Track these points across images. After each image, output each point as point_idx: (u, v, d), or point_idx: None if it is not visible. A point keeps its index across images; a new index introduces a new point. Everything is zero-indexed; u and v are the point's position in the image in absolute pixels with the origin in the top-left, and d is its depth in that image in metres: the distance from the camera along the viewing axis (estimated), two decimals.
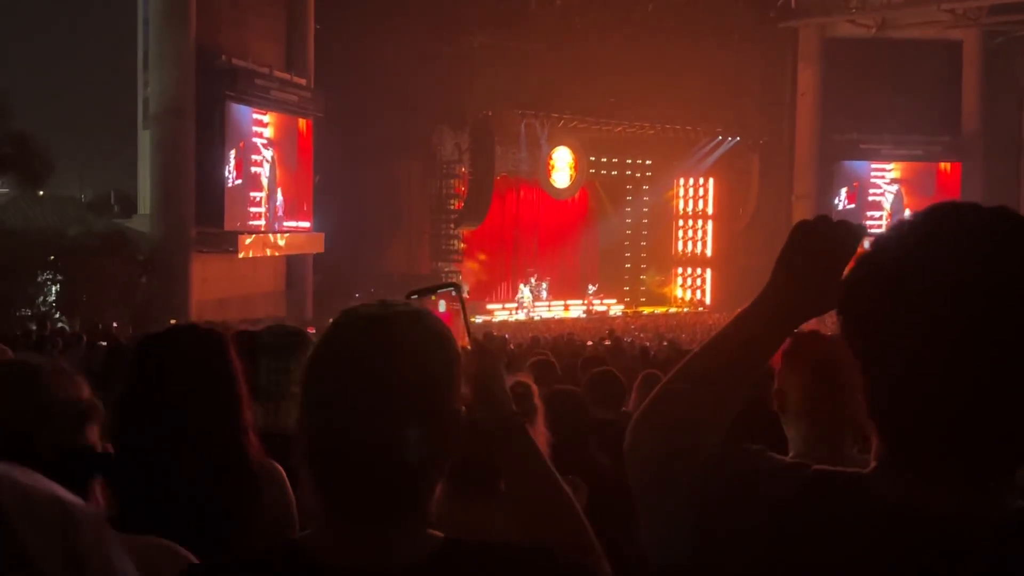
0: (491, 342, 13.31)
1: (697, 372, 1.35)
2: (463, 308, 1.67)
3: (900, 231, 1.17)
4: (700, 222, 40.67)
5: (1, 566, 0.70)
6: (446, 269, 34.43)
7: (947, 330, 1.08)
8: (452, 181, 34.86)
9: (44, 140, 21.39)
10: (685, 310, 38.55)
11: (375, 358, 1.34)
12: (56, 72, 52.20)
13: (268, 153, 27.39)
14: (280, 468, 2.47)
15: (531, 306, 35.42)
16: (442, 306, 1.64)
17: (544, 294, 36.26)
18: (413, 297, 1.63)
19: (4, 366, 1.86)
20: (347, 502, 1.34)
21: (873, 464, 1.18)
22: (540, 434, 2.56)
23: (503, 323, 31.57)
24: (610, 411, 4.85)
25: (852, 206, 37.92)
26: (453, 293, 1.69)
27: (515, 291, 35.82)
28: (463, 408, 1.42)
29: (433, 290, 1.69)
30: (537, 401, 2.64)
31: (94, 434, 1.80)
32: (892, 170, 38.22)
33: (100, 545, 0.80)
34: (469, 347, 1.57)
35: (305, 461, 1.36)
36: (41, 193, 24.25)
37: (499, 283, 36.36)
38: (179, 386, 2.17)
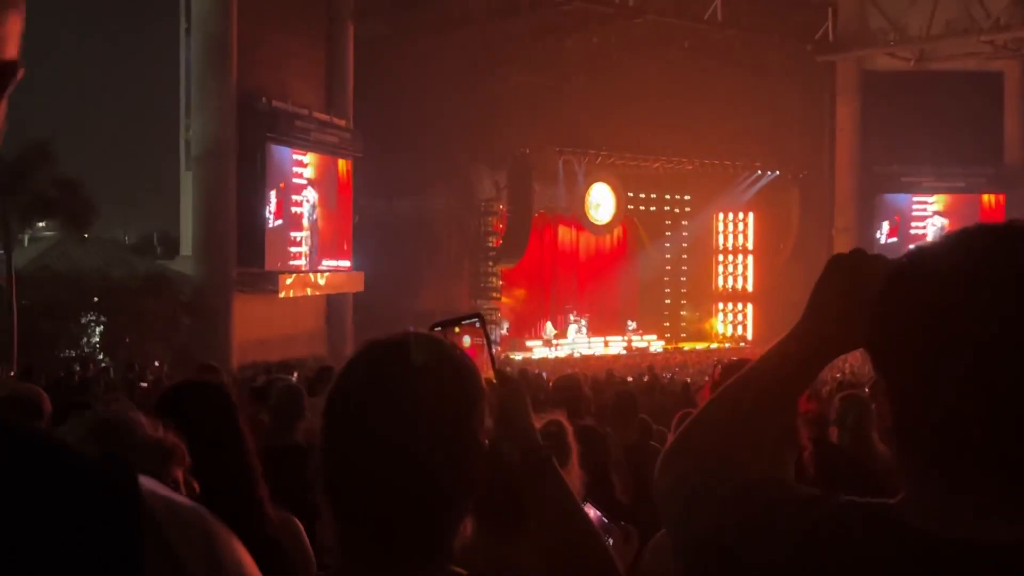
0: (525, 379, 13.27)
1: (729, 404, 1.33)
2: (487, 340, 1.66)
3: (929, 251, 1.14)
4: (740, 256, 40.49)
5: (159, 572, 0.73)
6: (485, 306, 34.47)
7: (982, 348, 1.04)
8: (490, 219, 34.99)
9: (89, 184, 21.72)
10: (726, 346, 38.28)
11: (395, 388, 1.33)
12: (100, 116, 53.19)
13: (308, 193, 27.65)
14: (293, 519, 2.47)
15: (553, 343, 35.26)
16: (467, 341, 1.63)
17: (583, 330, 36.18)
18: (437, 329, 1.63)
19: (102, 414, 1.92)
20: (367, 537, 1.33)
21: (902, 493, 1.14)
22: (575, 475, 2.52)
23: (542, 360, 31.51)
24: (627, 431, 4.89)
25: (894, 239, 37.59)
26: (477, 324, 1.68)
27: (550, 324, 35.74)
28: (487, 441, 1.40)
29: (457, 321, 1.68)
30: (571, 440, 2.61)
31: (179, 473, 1.86)
32: (934, 202, 37.88)
33: (234, 552, 0.84)
34: (494, 379, 1.56)
35: (324, 494, 1.35)
36: (86, 236, 24.62)
37: (538, 320, 36.33)
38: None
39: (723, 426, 1.32)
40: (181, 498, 0.80)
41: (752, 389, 1.32)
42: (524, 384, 1.79)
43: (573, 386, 5.22)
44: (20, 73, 0.70)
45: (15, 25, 0.70)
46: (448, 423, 1.34)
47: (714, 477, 1.27)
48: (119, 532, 0.69)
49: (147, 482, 0.74)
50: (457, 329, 1.66)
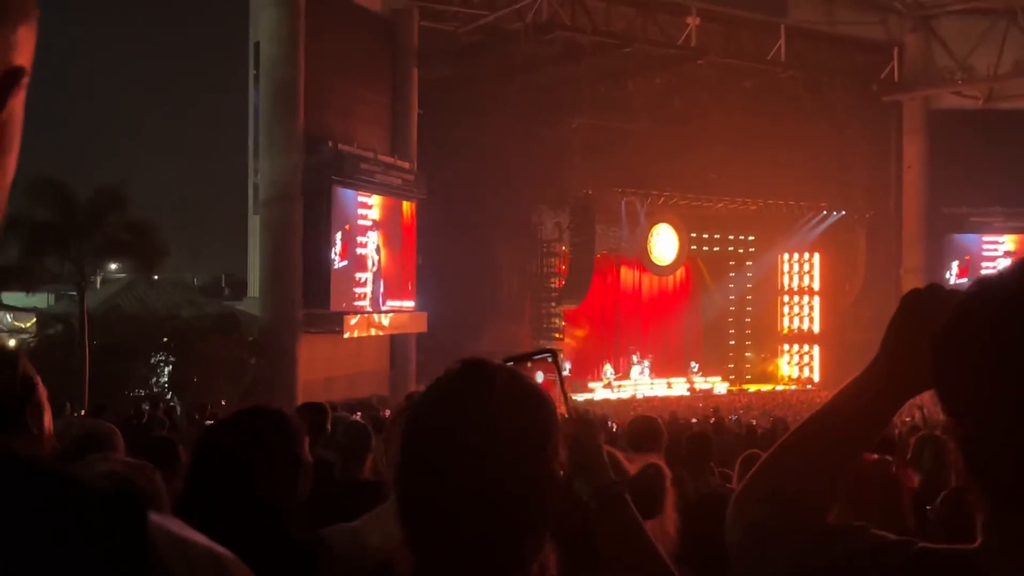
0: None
1: (802, 446, 1.31)
2: (560, 375, 1.66)
3: (997, 280, 1.10)
4: (806, 297, 39.99)
5: None
6: (545, 346, 34.36)
7: None
8: (552, 260, 35.02)
9: (159, 226, 22.16)
10: (792, 388, 37.75)
11: (472, 417, 1.33)
12: (170, 160, 54.47)
13: (373, 235, 27.94)
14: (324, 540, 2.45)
15: (614, 385, 35.01)
16: (540, 377, 1.63)
17: (646, 372, 35.92)
18: (509, 364, 1.63)
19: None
20: (444, 568, 1.32)
21: (980, 538, 1.09)
22: (670, 520, 2.49)
23: (604, 401, 31.33)
24: (701, 478, 4.72)
25: (964, 280, 36.90)
26: (549, 360, 1.68)
27: (619, 369, 35.55)
28: (562, 472, 1.39)
29: (529, 357, 1.68)
30: (668, 485, 2.56)
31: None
32: (1005, 243, 37.16)
33: None
34: (567, 415, 1.56)
35: (400, 520, 1.35)
36: (156, 277, 25.09)
37: (601, 361, 36.15)
38: (241, 476, 2.20)
39: (797, 469, 1.30)
40: (196, 536, 0.78)
41: (825, 431, 1.30)
42: (594, 419, 1.79)
43: (649, 428, 5.14)
44: (25, 79, 0.70)
45: (26, 34, 0.71)
46: (524, 452, 1.33)
47: (790, 522, 1.24)
48: (121, 569, 0.68)
49: (159, 519, 0.74)
50: (529, 364, 1.66)
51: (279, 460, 2.26)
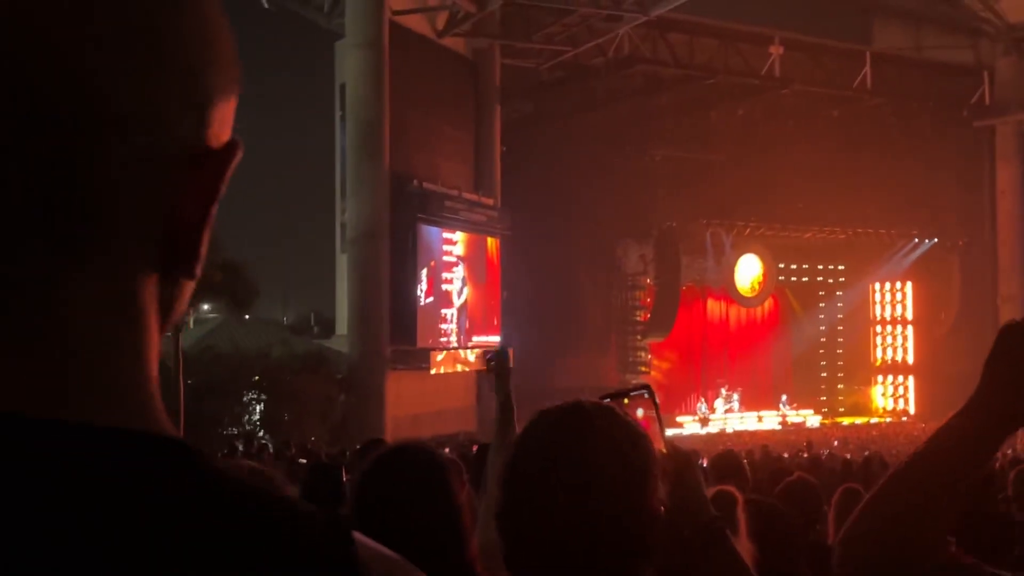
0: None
1: (907, 484, 1.29)
2: (657, 412, 1.65)
3: None
4: (899, 327, 39.15)
5: None
6: (633, 381, 34.11)
7: None
8: (637, 293, 34.88)
9: (250, 266, 22.60)
10: (887, 420, 36.89)
11: (572, 452, 1.34)
12: (260, 201, 55.64)
13: (458, 271, 28.16)
14: None
15: (721, 418, 34.61)
16: (639, 413, 1.63)
17: (736, 405, 35.43)
18: (606, 400, 1.63)
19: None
20: None
21: None
22: (744, 548, 2.45)
23: (693, 435, 30.97)
24: (801, 528, 4.44)
25: None
26: (646, 395, 1.67)
27: (705, 401, 35.15)
28: (662, 508, 1.39)
29: (626, 393, 1.68)
30: (741, 513, 2.54)
31: None
32: None
33: None
34: (665, 451, 1.55)
35: (505, 560, 1.35)
36: (247, 317, 25.58)
37: (688, 395, 35.78)
38: (399, 518, 2.16)
39: (902, 508, 1.28)
40: (388, 551, 0.79)
41: (928, 469, 1.28)
42: (692, 454, 1.77)
43: (732, 463, 5.02)
44: (240, 152, 0.74)
45: (231, 111, 0.74)
46: (624, 490, 1.34)
47: (899, 563, 1.23)
48: None
49: (361, 537, 0.75)
50: (626, 401, 1.65)
51: (434, 505, 2.21)
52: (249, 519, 0.67)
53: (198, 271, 0.73)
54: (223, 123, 0.73)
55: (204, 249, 0.73)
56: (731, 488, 2.62)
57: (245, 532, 0.66)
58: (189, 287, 0.75)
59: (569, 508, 1.31)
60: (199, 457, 0.69)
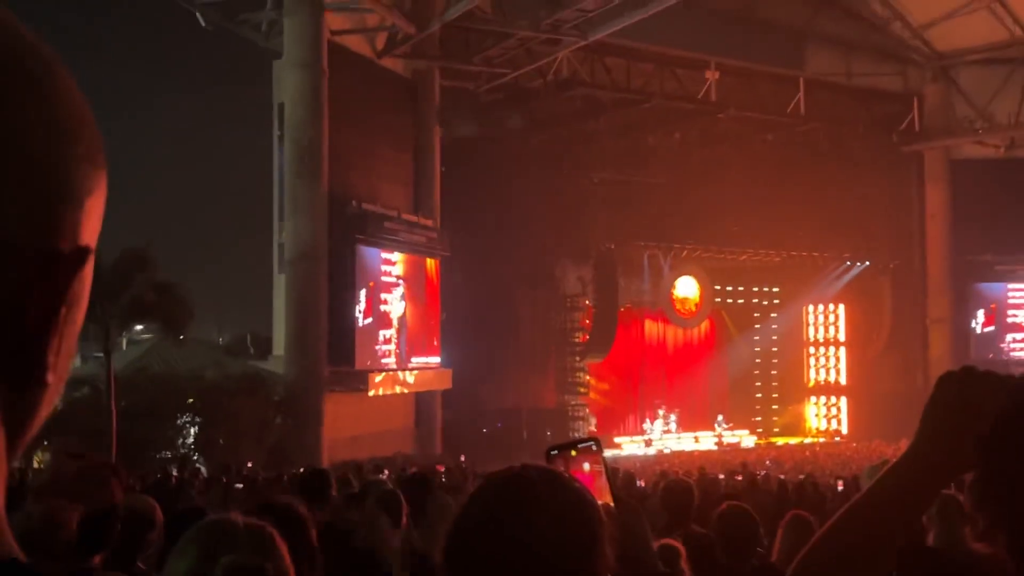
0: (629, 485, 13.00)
1: (846, 532, 1.32)
2: (605, 464, 1.65)
3: None
4: (832, 349, 39.76)
5: None
6: (572, 402, 34.28)
7: None
8: (576, 314, 35.01)
9: (184, 287, 22.27)
10: (821, 440, 37.39)
11: (515, 525, 1.32)
12: (195, 221, 54.90)
13: (397, 292, 28.04)
14: None
15: (658, 439, 34.84)
16: (585, 467, 1.62)
17: (672, 426, 35.68)
18: (553, 453, 1.62)
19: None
20: None
21: None
22: None
23: (631, 457, 31.11)
24: (738, 558, 4.46)
25: (991, 328, 36.66)
26: (594, 448, 1.67)
27: (643, 422, 35.35)
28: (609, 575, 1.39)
29: (573, 445, 1.67)
30: (684, 566, 2.55)
31: None
32: None
33: None
34: (612, 505, 1.54)
35: None
36: (182, 338, 25.18)
37: (626, 415, 35.97)
38: None
39: (842, 556, 1.31)
40: None
41: (868, 517, 1.31)
42: (639, 508, 1.77)
43: (682, 493, 5.03)
44: (91, 258, 0.70)
45: (96, 207, 0.70)
46: (569, 563, 1.32)
47: None
48: None
49: None
50: (574, 452, 1.65)
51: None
52: None
53: (49, 379, 0.69)
54: (79, 223, 0.69)
55: (55, 356, 0.69)
56: (675, 543, 2.63)
57: None
58: (46, 397, 0.71)
59: None
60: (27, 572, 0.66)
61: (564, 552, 1.32)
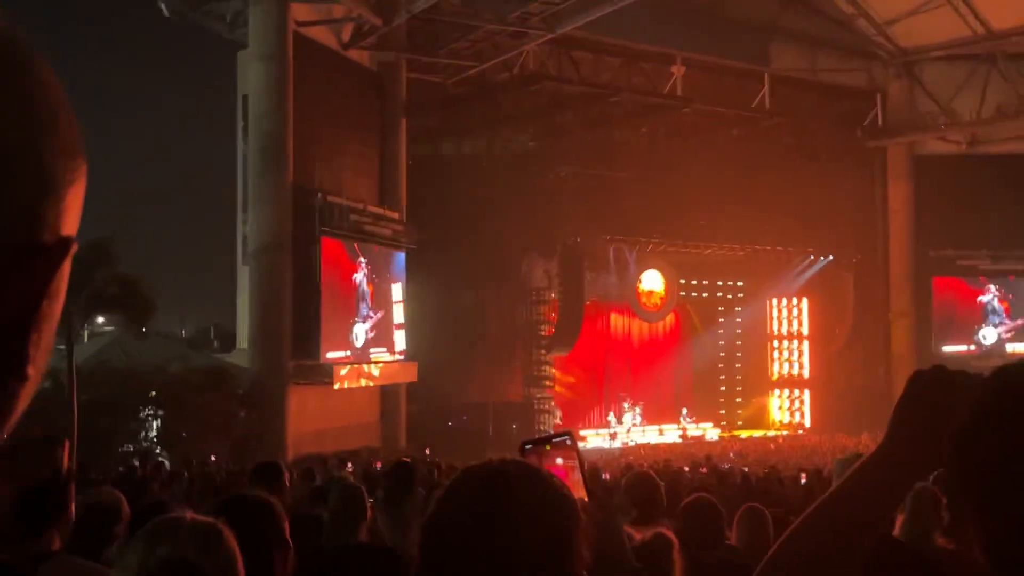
0: (596, 480, 13.03)
1: (815, 530, 1.32)
2: (579, 458, 1.64)
3: (1012, 375, 1.12)
4: (796, 343, 40.09)
5: None
6: (538, 395, 34.32)
7: None
8: (542, 307, 35.04)
9: (147, 280, 22.08)
10: (784, 433, 37.69)
11: (492, 520, 1.32)
12: (158, 213, 54.52)
13: (362, 285, 27.93)
14: None
15: (625, 432, 34.99)
16: (559, 462, 1.62)
17: (638, 419, 35.83)
18: (528, 447, 1.61)
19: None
20: None
21: None
22: None
23: (597, 449, 31.20)
24: (704, 550, 4.47)
25: (952, 322, 37.09)
26: (568, 442, 1.66)
27: (608, 415, 35.48)
28: (584, 573, 1.38)
29: (548, 440, 1.67)
30: (676, 556, 2.54)
31: None
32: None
33: None
34: (586, 498, 1.54)
35: None
36: (144, 331, 24.98)
37: (592, 408, 36.08)
38: None
39: (813, 553, 1.30)
40: None
41: (838, 515, 1.31)
42: (613, 503, 1.77)
43: (648, 487, 5.04)
44: (73, 248, 0.70)
45: (75, 199, 0.70)
46: (546, 558, 1.32)
47: None
48: None
49: None
50: (548, 447, 1.64)
51: (269, 546, 2.24)
52: None
53: (29, 372, 0.69)
54: (59, 215, 0.68)
55: (35, 349, 0.69)
56: (667, 531, 2.62)
57: None
58: (24, 389, 0.70)
59: (490, 574, 1.29)
60: None
61: (542, 548, 1.32)
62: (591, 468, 16.56)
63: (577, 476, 1.58)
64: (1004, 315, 37.07)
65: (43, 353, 0.70)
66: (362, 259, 27.93)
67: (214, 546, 1.85)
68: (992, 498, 1.08)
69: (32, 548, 2.52)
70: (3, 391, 0.68)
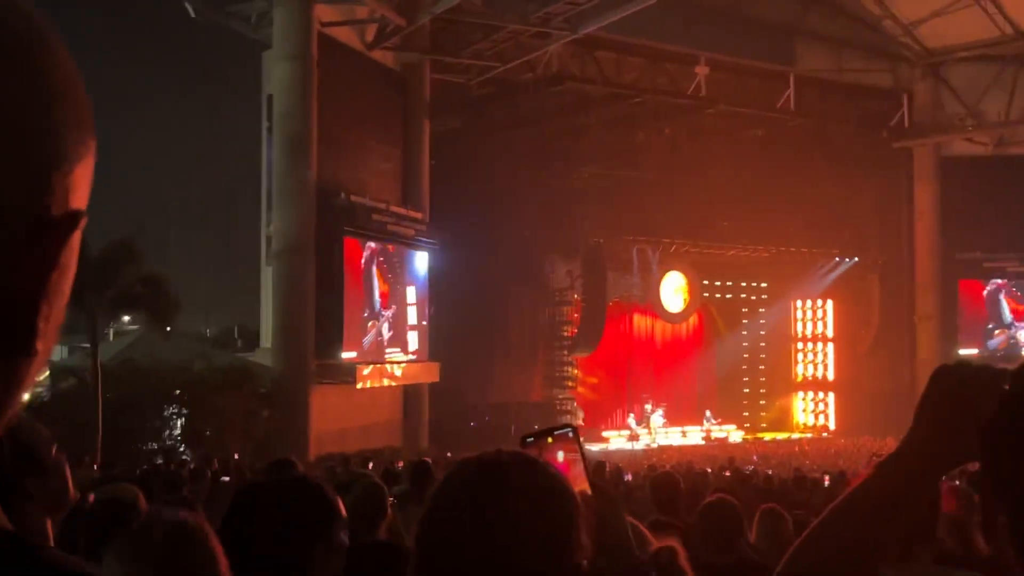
0: (602, 474, 13.01)
1: (839, 526, 1.30)
2: (581, 451, 1.62)
3: None
4: (820, 345, 39.88)
5: None
6: (560, 396, 34.30)
7: None
8: (564, 308, 35.02)
9: (172, 279, 22.22)
10: (808, 436, 37.50)
11: (489, 513, 1.31)
12: (183, 213, 54.76)
13: (385, 285, 27.98)
14: None
15: (649, 434, 34.89)
16: (560, 456, 1.60)
17: (661, 420, 35.74)
18: (529, 440, 1.60)
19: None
20: None
21: None
22: None
23: (619, 451, 31.14)
24: (722, 551, 4.45)
25: (979, 326, 36.78)
26: (570, 435, 1.64)
27: (628, 418, 35.38)
28: (584, 562, 1.37)
29: (549, 432, 1.65)
30: (683, 564, 2.52)
31: None
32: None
33: None
34: (589, 492, 1.52)
35: None
36: (169, 330, 25.13)
37: (614, 409, 36.02)
38: None
39: (834, 551, 1.29)
40: None
41: (861, 512, 1.29)
42: (617, 495, 1.75)
43: (670, 487, 5.02)
44: (83, 222, 0.70)
45: (83, 172, 0.70)
46: (544, 547, 1.31)
47: None
48: None
49: None
50: (550, 440, 1.62)
51: (312, 540, 2.21)
52: None
53: (38, 347, 0.69)
54: (69, 190, 0.69)
55: (44, 324, 0.69)
56: (674, 543, 2.59)
57: None
58: (34, 366, 0.70)
59: (488, 567, 1.28)
60: (31, 548, 0.66)
61: (538, 537, 1.31)
62: (596, 463, 16.52)
63: (579, 469, 1.56)
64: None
65: (52, 328, 0.70)
66: (385, 259, 27.97)
67: (189, 543, 1.84)
68: (1021, 486, 1.05)
69: None
70: (12, 365, 0.68)
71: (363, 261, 26.99)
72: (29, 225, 0.66)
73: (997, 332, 36.65)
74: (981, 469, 1.12)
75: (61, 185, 0.68)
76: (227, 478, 11.64)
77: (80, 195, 0.70)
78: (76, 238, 0.70)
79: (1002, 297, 36.77)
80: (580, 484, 1.48)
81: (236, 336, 33.72)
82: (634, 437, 34.25)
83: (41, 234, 0.67)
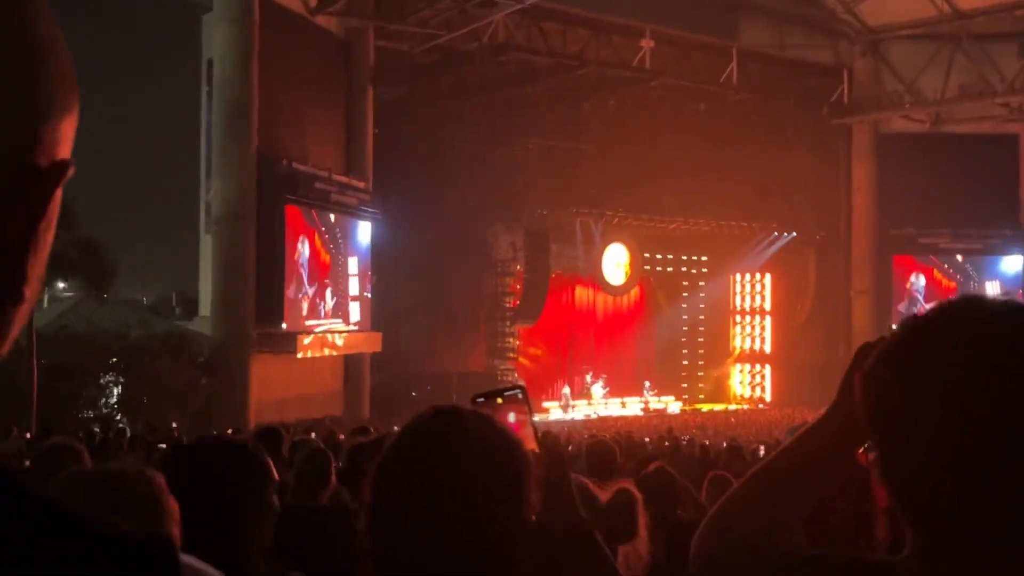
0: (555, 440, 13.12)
1: (764, 484, 1.37)
2: (530, 412, 1.65)
3: (916, 324, 1.20)
4: (758, 318, 40.41)
5: None
6: (502, 367, 34.41)
7: (965, 416, 1.09)
8: (507, 279, 35.07)
9: (109, 245, 21.86)
10: (744, 407, 38.05)
11: (444, 462, 1.34)
12: (121, 178, 53.86)
13: (327, 255, 27.79)
14: None
15: (589, 404, 35.16)
16: (511, 417, 1.62)
17: (602, 391, 36.02)
18: (479, 400, 1.62)
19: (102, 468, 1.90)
20: None
21: (907, 552, 1.19)
22: (643, 544, 2.51)
23: (559, 421, 31.35)
24: (662, 516, 4.56)
25: (910, 300, 37.47)
26: (519, 396, 1.67)
27: (573, 388, 35.62)
28: (532, 517, 1.40)
29: (499, 393, 1.67)
30: (641, 509, 2.57)
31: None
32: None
33: None
34: (537, 451, 1.55)
35: (371, 562, 1.34)
36: (105, 296, 24.75)
37: (555, 381, 36.21)
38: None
39: (758, 507, 1.35)
40: (214, 571, 0.79)
41: (785, 472, 1.36)
42: (564, 454, 1.79)
43: (607, 453, 5.10)
44: (71, 172, 0.73)
45: (70, 127, 0.73)
46: (496, 498, 1.34)
47: (755, 553, 1.29)
48: None
49: (190, 561, 0.74)
50: (500, 400, 1.65)
51: (243, 502, 2.20)
52: (71, 544, 0.66)
53: (27, 294, 0.71)
54: (56, 141, 0.71)
55: (32, 271, 0.71)
56: (630, 486, 2.64)
57: (66, 558, 0.66)
58: (19, 312, 0.73)
59: (438, 526, 1.30)
60: (20, 484, 0.68)
61: (491, 486, 1.34)
62: (544, 429, 16.61)
63: (529, 430, 1.60)
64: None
65: (36, 277, 0.72)
66: (328, 228, 27.77)
67: (149, 495, 1.84)
68: (894, 430, 1.15)
69: None
70: (1, 311, 0.71)
71: (304, 230, 26.77)
72: (20, 174, 0.68)
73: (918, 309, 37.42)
74: (861, 415, 1.20)
75: (49, 136, 0.70)
76: (163, 446, 11.54)
77: (66, 147, 0.72)
78: (59, 191, 0.73)
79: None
80: (529, 443, 1.51)
81: (174, 304, 33.32)
82: (566, 407, 34.44)
83: (31, 183, 0.69)
